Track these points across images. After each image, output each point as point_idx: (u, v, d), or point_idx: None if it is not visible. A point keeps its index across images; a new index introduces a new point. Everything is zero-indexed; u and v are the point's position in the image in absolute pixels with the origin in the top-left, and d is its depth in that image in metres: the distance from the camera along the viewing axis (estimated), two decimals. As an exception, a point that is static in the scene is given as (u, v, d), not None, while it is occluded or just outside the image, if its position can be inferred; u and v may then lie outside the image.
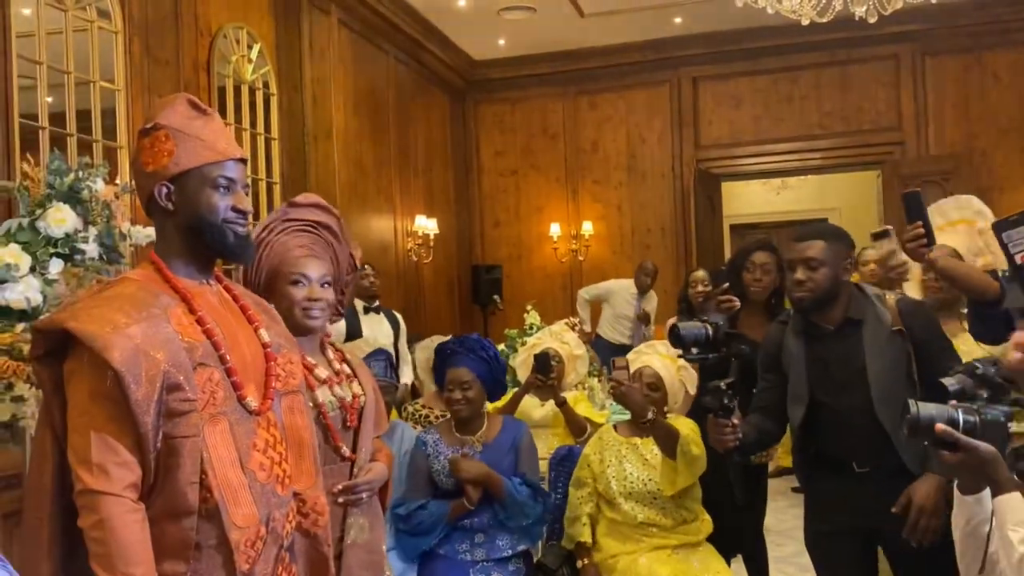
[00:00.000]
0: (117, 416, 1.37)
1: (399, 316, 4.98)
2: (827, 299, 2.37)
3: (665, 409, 3.04)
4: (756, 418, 2.51)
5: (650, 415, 2.85)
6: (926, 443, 1.60)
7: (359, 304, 4.66)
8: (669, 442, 2.84)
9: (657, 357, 3.10)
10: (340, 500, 1.95)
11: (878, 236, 2.99)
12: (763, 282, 3.32)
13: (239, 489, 1.46)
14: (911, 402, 1.54)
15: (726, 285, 3.20)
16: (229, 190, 1.55)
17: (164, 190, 1.52)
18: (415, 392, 4.74)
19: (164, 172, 1.51)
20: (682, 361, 3.10)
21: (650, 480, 2.93)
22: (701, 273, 4.70)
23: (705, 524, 3.00)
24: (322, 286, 2.04)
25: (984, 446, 1.48)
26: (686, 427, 2.93)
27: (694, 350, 2.39)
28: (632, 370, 3.08)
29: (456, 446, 2.95)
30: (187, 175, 1.52)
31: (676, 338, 2.40)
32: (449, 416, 3.05)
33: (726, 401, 2.29)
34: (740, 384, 2.39)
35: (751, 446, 2.50)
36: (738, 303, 3.20)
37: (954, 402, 1.58)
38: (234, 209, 1.55)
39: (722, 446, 2.34)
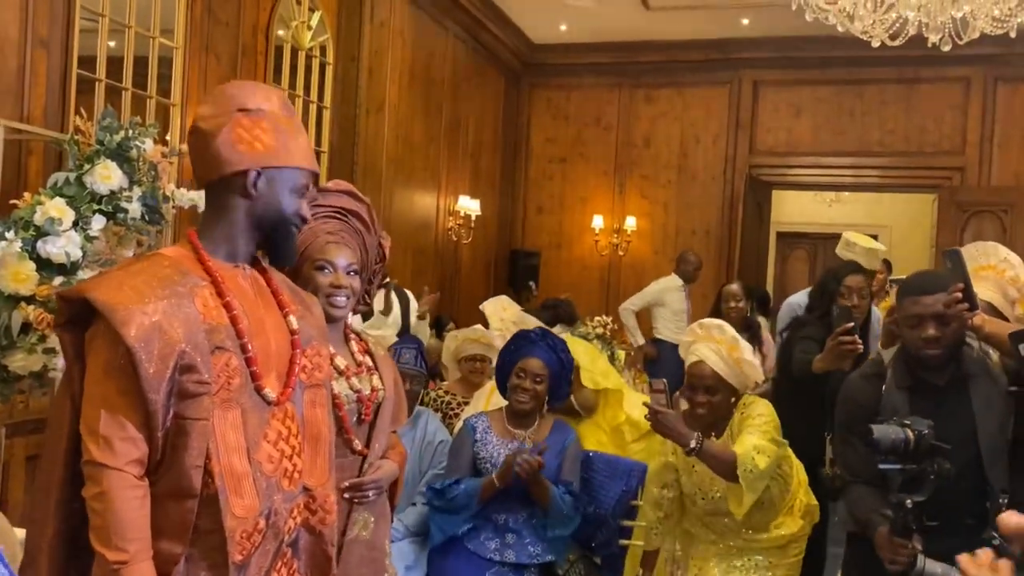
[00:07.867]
0: (128, 391, 1.38)
1: (409, 293, 4.98)
2: (956, 354, 2.20)
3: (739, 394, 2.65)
4: (870, 494, 2.23)
5: (693, 443, 2.43)
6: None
7: None
8: (724, 467, 2.45)
9: (711, 350, 2.60)
10: (346, 496, 1.94)
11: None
12: (861, 307, 3.09)
13: (242, 479, 1.45)
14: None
15: (850, 325, 2.75)
16: (303, 197, 1.60)
17: (255, 175, 1.53)
18: (440, 377, 4.74)
19: (257, 158, 1.52)
20: (744, 350, 2.66)
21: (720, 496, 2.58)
22: (735, 287, 4.56)
23: (791, 522, 2.68)
24: (348, 273, 2.01)
25: None
26: (761, 411, 2.59)
27: (889, 457, 2.01)
28: (687, 363, 2.67)
29: (506, 438, 2.88)
30: (279, 171, 1.54)
31: (869, 441, 2.03)
32: (504, 407, 2.97)
33: (909, 521, 1.95)
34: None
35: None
36: (862, 347, 2.78)
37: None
38: (299, 214, 1.59)
39: (893, 568, 2.01)
